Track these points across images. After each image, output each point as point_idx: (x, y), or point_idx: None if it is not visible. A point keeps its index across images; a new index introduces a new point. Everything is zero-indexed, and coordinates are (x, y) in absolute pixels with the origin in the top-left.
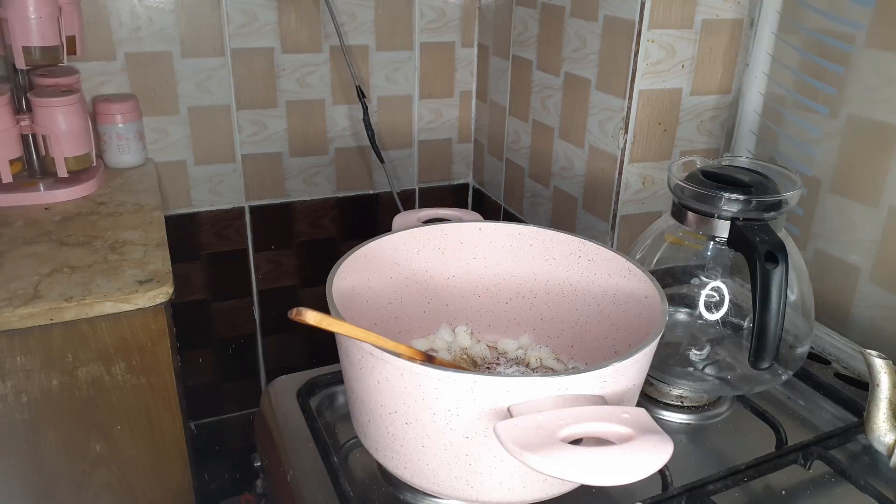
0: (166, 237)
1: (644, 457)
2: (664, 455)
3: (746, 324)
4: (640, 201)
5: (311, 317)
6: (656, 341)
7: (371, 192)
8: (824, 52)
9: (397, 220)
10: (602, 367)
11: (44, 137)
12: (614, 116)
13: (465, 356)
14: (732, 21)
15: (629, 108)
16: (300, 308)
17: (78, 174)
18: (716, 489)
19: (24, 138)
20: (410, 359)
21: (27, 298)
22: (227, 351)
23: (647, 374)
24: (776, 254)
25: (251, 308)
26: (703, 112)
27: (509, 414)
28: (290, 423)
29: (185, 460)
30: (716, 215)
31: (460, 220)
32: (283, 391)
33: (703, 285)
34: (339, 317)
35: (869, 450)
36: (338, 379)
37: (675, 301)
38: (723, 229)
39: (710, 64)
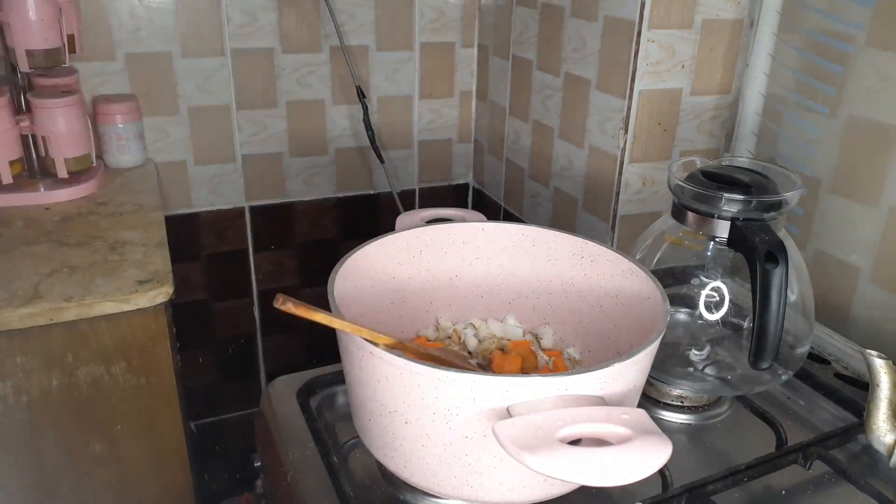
0: (166, 237)
1: (642, 457)
2: (663, 456)
3: (746, 324)
4: (640, 201)
5: (291, 305)
6: (657, 342)
7: (371, 192)
8: (824, 52)
9: (400, 220)
10: (602, 368)
11: (43, 138)
12: (614, 116)
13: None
14: (732, 21)
15: (629, 108)
16: (284, 296)
17: (78, 175)
18: (716, 489)
19: (23, 139)
20: (409, 358)
21: (27, 298)
22: (227, 351)
23: (648, 374)
24: (776, 254)
25: (251, 308)
26: (703, 112)
27: (508, 414)
28: (290, 423)
29: (185, 460)
30: (716, 215)
31: (463, 220)
32: (283, 391)
33: (703, 285)
34: (340, 316)
35: (869, 450)
36: (338, 379)
37: (676, 301)
38: (723, 229)
39: (710, 64)
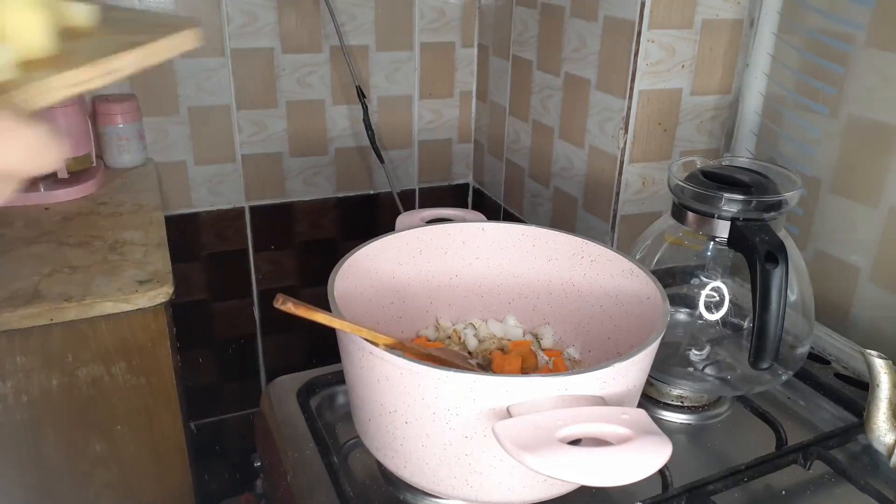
0: (166, 237)
1: (642, 458)
2: (662, 456)
3: (746, 324)
4: (640, 201)
5: (291, 305)
6: (657, 343)
7: (371, 192)
8: (824, 52)
9: (400, 219)
10: (602, 368)
11: None
12: (614, 116)
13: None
14: (732, 21)
15: (629, 108)
16: (284, 296)
17: (78, 174)
18: (716, 489)
19: None
20: (409, 358)
21: (27, 298)
22: (227, 351)
23: (648, 374)
24: (776, 254)
25: (251, 308)
26: (703, 112)
27: (508, 414)
28: (290, 423)
29: (185, 460)
30: (716, 215)
31: (463, 220)
32: (283, 391)
33: (703, 285)
34: (340, 316)
35: (869, 450)
36: (338, 379)
37: (676, 301)
38: (723, 229)
39: (710, 64)
